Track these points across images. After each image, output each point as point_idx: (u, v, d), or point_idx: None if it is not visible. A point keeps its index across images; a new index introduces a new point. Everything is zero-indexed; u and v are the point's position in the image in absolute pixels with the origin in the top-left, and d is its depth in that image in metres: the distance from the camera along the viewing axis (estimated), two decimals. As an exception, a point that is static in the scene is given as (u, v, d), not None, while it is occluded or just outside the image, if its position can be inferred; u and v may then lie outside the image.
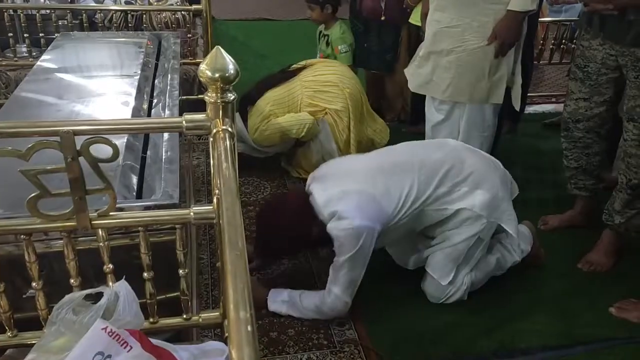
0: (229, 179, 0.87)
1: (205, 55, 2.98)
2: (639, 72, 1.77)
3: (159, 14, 3.00)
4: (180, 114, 1.88)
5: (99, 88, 1.89)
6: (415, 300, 1.84)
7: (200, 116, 1.01)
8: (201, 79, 0.98)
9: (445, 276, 1.75)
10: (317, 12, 3.06)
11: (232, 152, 0.96)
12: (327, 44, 3.14)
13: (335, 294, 1.68)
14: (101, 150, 0.94)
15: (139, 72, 2.07)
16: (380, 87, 3.29)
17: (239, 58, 3.75)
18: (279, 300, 1.76)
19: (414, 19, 2.89)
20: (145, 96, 1.93)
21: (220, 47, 0.99)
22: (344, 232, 1.59)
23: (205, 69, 0.97)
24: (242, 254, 0.68)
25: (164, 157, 1.48)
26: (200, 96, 2.99)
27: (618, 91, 1.96)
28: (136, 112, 1.74)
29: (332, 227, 1.61)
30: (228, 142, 0.96)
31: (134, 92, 1.87)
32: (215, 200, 0.97)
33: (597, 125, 2.01)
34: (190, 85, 3.07)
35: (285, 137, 2.50)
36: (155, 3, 2.94)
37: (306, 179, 2.56)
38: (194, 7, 2.90)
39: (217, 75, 0.96)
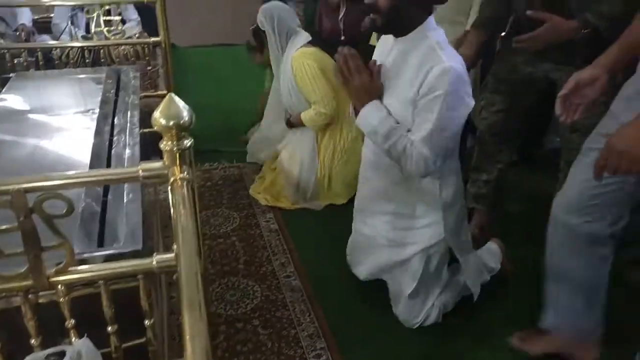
0: (187, 231, 0.85)
1: (166, 87, 2.98)
2: None
3: (118, 47, 2.97)
4: (143, 149, 1.87)
5: (57, 127, 1.85)
6: (390, 325, 1.84)
7: (157, 164, 0.99)
8: (155, 127, 0.97)
9: (414, 305, 1.76)
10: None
11: (191, 200, 0.94)
12: None
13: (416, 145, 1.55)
14: (56, 204, 0.92)
15: (98, 109, 2.04)
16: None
17: (201, 85, 3.76)
18: (375, 116, 1.58)
19: (374, 41, 2.92)
20: (105, 135, 1.90)
21: (173, 95, 0.98)
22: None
23: (159, 118, 0.95)
24: (201, 315, 0.67)
25: (126, 199, 1.44)
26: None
27: (537, 105, 2.01)
28: (96, 152, 1.70)
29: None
30: (186, 191, 0.94)
31: (93, 130, 1.83)
32: (174, 253, 0.95)
33: (511, 137, 2.06)
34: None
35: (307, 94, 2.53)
36: (113, 37, 2.90)
37: (276, 207, 2.57)
38: (153, 39, 2.87)
39: (171, 123, 0.95)
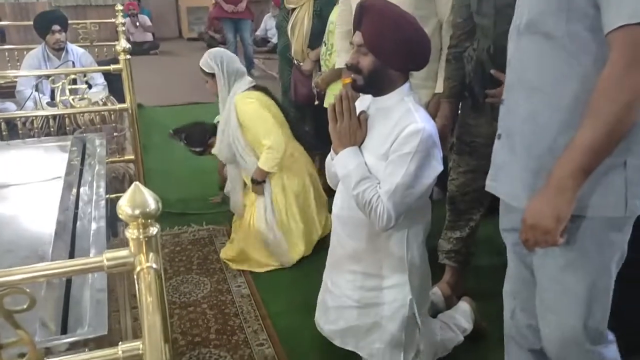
0: (154, 325, 0.84)
1: (134, 151, 2.97)
2: None
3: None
4: (110, 216, 1.84)
5: (20, 199, 1.81)
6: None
7: (122, 253, 0.98)
8: (120, 216, 0.96)
9: None
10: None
11: (158, 289, 0.93)
12: None
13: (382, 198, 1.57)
14: (17, 297, 0.89)
15: (63, 180, 2.01)
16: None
17: (168, 144, 3.73)
18: (353, 160, 1.62)
19: (327, 101, 2.97)
20: (70, 207, 1.87)
21: (138, 184, 0.97)
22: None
23: (124, 207, 0.94)
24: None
25: (91, 278, 1.41)
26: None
27: None
28: (61, 226, 1.67)
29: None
30: (153, 280, 0.93)
31: (57, 202, 1.80)
32: (141, 342, 0.93)
33: (482, 195, 2.12)
34: (120, 183, 3.00)
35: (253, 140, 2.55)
36: (79, 104, 2.89)
37: (247, 271, 2.53)
38: (119, 106, 2.88)
39: (137, 212, 0.94)
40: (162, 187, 3.48)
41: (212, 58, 2.63)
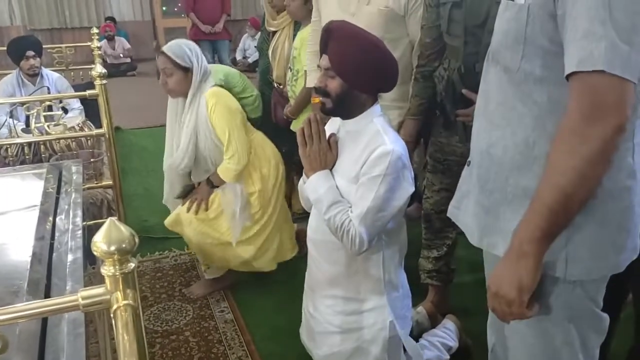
0: (132, 366, 0.81)
1: (112, 176, 2.93)
2: None
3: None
4: (87, 243, 1.80)
5: (-6, 232, 1.76)
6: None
7: (98, 291, 0.95)
8: (95, 253, 0.94)
9: None
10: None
11: (136, 327, 0.91)
12: None
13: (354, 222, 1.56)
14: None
15: (38, 210, 1.97)
16: (291, 184, 3.33)
17: (147, 167, 3.67)
18: (324, 184, 1.61)
19: (296, 125, 2.95)
20: (45, 238, 1.82)
21: (114, 220, 0.96)
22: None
23: (99, 243, 0.92)
24: None
25: (67, 317, 1.38)
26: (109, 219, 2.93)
27: None
28: (35, 260, 1.63)
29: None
30: (130, 318, 0.91)
31: (32, 234, 1.76)
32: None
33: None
34: (98, 209, 2.96)
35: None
36: (54, 130, 2.85)
37: (230, 295, 2.48)
38: (96, 131, 2.85)
39: (113, 248, 0.92)
40: (142, 211, 3.44)
41: (191, 50, 2.39)
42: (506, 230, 1.12)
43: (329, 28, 1.61)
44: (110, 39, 8.39)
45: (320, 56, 1.64)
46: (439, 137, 2.06)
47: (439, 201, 2.11)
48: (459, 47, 1.82)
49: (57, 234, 1.89)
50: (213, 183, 2.47)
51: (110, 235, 0.93)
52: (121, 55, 8.54)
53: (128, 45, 8.69)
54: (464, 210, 1.28)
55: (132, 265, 0.95)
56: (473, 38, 1.77)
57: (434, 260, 2.20)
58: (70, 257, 1.72)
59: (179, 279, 2.67)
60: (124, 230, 0.94)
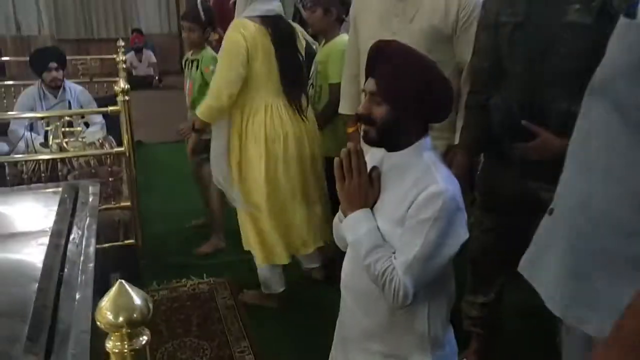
0: None
1: (130, 198, 2.78)
2: None
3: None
4: (98, 273, 1.64)
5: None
6: None
7: (101, 371, 0.77)
8: (100, 324, 0.76)
9: None
10: (197, 35, 2.89)
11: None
12: (197, 67, 2.95)
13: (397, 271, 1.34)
14: None
15: (49, 237, 1.81)
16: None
17: (168, 184, 3.52)
18: (364, 225, 1.41)
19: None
20: (53, 270, 1.66)
21: (123, 282, 0.78)
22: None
23: (105, 312, 0.75)
24: None
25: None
26: (127, 242, 2.78)
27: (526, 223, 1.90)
28: (41, 297, 1.47)
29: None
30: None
31: (40, 265, 1.60)
32: None
33: (508, 256, 1.90)
34: (114, 231, 2.80)
35: None
36: (73, 146, 2.71)
37: (251, 332, 2.29)
38: (116, 150, 2.70)
39: (121, 319, 0.74)
40: (160, 232, 3.29)
41: None
42: (602, 304, 0.91)
43: (378, 47, 1.42)
44: (138, 51, 8.36)
45: (365, 79, 1.45)
46: (491, 173, 1.85)
47: (487, 242, 1.90)
48: (521, 74, 1.62)
49: (67, 265, 1.72)
50: (194, 126, 2.45)
51: (118, 302, 0.76)
52: (148, 68, 8.51)
53: (154, 59, 8.67)
54: (542, 269, 1.08)
55: (144, 339, 0.77)
56: (537, 64, 1.58)
57: (479, 307, 1.98)
58: (78, 295, 1.55)
59: (197, 311, 2.49)
60: (136, 297, 0.77)
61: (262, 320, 2.43)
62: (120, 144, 3.55)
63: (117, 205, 2.76)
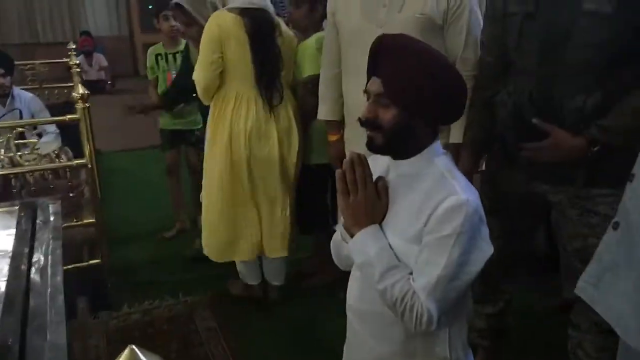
0: None
1: (94, 214, 2.53)
2: (581, 209, 1.58)
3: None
4: (66, 303, 1.43)
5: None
6: None
7: None
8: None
9: None
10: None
11: None
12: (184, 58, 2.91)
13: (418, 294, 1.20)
14: None
15: (7, 267, 1.58)
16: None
17: (130, 194, 3.26)
18: (374, 244, 1.25)
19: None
20: (15, 306, 1.44)
21: (134, 348, 0.60)
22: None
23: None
24: None
25: None
26: (92, 262, 2.54)
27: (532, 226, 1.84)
28: (3, 343, 1.25)
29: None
30: None
31: (1, 297, 1.38)
32: None
33: (516, 263, 1.82)
34: (78, 251, 2.56)
35: None
36: (26, 159, 2.45)
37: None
38: (77, 162, 2.46)
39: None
40: (126, 248, 3.05)
41: None
42: None
43: (381, 43, 1.26)
44: (88, 54, 7.96)
45: (368, 79, 1.30)
46: (496, 175, 1.73)
47: (495, 249, 1.77)
48: (531, 67, 1.51)
49: (31, 301, 1.50)
50: None
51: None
52: (100, 72, 8.14)
53: (105, 63, 8.29)
54: (609, 290, 0.95)
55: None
56: (550, 56, 1.46)
57: (486, 318, 1.87)
58: (48, 337, 1.33)
59: (175, 335, 2.28)
60: None
61: (248, 342, 2.24)
62: (76, 154, 3.31)
63: (79, 222, 2.52)
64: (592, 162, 1.49)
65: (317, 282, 2.63)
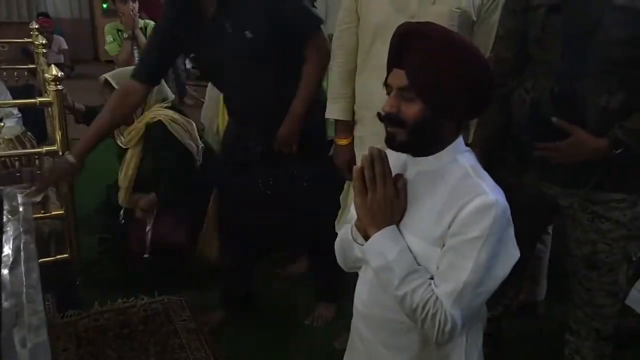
0: None
1: (64, 202, 2.35)
2: (592, 214, 1.54)
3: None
4: None
5: None
6: None
7: None
8: None
9: None
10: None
11: None
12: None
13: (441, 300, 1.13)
14: None
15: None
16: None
17: (95, 185, 3.06)
18: (393, 247, 1.16)
19: None
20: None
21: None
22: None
23: None
24: None
25: None
26: (60, 256, 2.35)
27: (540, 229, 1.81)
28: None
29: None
30: None
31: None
32: None
33: (520, 268, 1.77)
34: (44, 245, 2.37)
35: None
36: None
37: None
38: (46, 148, 2.27)
39: None
40: (94, 242, 2.85)
41: None
42: None
43: (407, 32, 1.16)
44: (48, 37, 7.57)
45: (388, 70, 1.20)
46: (507, 175, 1.66)
47: None
48: (553, 63, 1.44)
49: (4, 303, 1.35)
50: None
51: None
52: (59, 55, 7.75)
53: (65, 46, 7.91)
54: None
55: None
56: (574, 52, 1.40)
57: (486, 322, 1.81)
58: (29, 344, 1.19)
59: (153, 337, 2.13)
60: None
61: (231, 345, 2.12)
62: (40, 140, 3.09)
63: (46, 214, 2.33)
64: (607, 166, 1.45)
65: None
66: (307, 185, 2.07)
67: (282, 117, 1.98)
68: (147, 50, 2.17)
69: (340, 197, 2.00)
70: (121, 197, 2.47)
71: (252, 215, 2.08)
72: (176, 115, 2.41)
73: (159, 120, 2.35)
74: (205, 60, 2.07)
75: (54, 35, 7.78)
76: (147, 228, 2.38)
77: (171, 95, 2.52)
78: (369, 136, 1.82)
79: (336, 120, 1.91)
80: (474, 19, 1.65)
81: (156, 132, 2.34)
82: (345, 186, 1.99)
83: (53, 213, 2.36)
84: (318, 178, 2.07)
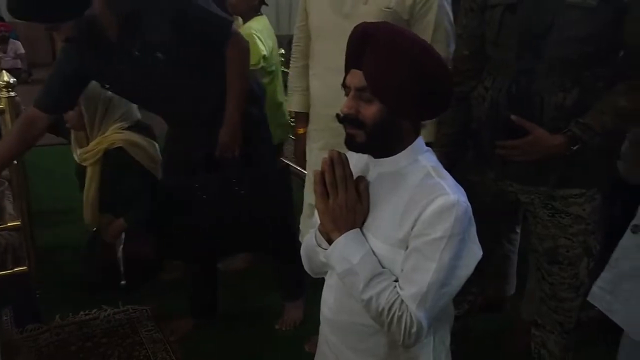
0: None
1: (21, 213, 2.26)
2: (552, 210, 1.57)
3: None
4: None
5: None
6: None
7: None
8: None
9: None
10: None
11: None
12: None
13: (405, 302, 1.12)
14: None
15: None
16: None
17: (53, 191, 2.99)
18: (357, 250, 1.15)
19: None
20: None
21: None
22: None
23: None
24: None
25: None
26: (17, 269, 2.27)
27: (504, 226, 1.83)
28: None
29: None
30: None
31: None
32: None
33: (484, 264, 1.80)
34: (1, 257, 2.28)
35: None
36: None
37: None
38: None
39: None
40: (55, 253, 2.77)
41: None
42: None
43: (365, 32, 1.16)
44: (3, 40, 7.34)
45: (346, 71, 1.19)
46: (468, 174, 1.67)
47: None
48: (510, 61, 1.46)
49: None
50: None
51: None
52: (15, 60, 7.54)
53: (22, 50, 7.69)
54: (629, 298, 0.89)
55: None
56: (530, 51, 1.42)
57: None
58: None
59: (117, 349, 2.07)
60: None
61: (199, 354, 2.08)
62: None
63: (3, 225, 2.25)
64: (564, 162, 1.47)
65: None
66: (252, 189, 2.01)
67: (220, 116, 1.92)
68: (49, 78, 1.93)
69: (304, 190, 2.01)
70: (87, 216, 2.35)
71: (193, 221, 2.00)
72: (138, 139, 2.26)
73: (120, 147, 2.21)
74: (118, 86, 1.94)
75: (10, 40, 7.56)
76: (118, 254, 2.28)
77: (136, 116, 2.33)
78: (312, 132, 1.88)
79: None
80: (405, 18, 1.67)
81: (118, 159, 2.21)
82: (306, 179, 2.00)
83: (9, 224, 2.29)
84: (263, 181, 2.03)
